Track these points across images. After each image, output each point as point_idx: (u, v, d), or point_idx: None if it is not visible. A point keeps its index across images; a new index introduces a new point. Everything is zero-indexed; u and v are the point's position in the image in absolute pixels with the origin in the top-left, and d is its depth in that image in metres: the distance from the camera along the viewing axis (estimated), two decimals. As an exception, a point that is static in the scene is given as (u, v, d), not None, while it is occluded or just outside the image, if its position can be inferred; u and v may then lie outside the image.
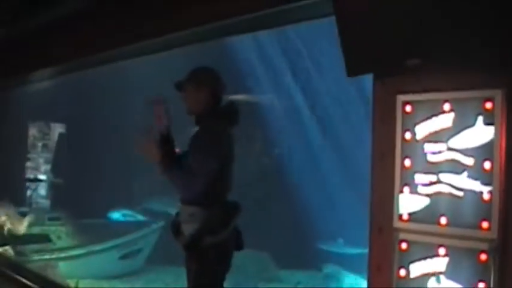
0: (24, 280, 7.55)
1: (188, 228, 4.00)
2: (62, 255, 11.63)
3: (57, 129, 19.30)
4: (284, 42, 14.84)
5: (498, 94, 3.31)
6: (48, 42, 7.76)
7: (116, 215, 14.70)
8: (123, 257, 12.72)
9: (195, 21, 5.32)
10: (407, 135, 3.71)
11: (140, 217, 14.77)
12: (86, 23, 6.86)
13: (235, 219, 4.10)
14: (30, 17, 7.14)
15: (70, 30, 7.20)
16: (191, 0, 5.34)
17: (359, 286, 11.53)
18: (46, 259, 11.13)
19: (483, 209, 3.34)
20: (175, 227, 4.15)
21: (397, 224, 3.74)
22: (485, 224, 3.32)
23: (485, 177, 3.33)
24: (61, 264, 10.78)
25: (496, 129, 3.31)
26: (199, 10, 5.23)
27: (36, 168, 18.61)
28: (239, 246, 4.19)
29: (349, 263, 13.16)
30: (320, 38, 13.42)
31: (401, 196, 3.73)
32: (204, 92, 4.13)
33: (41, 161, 19.18)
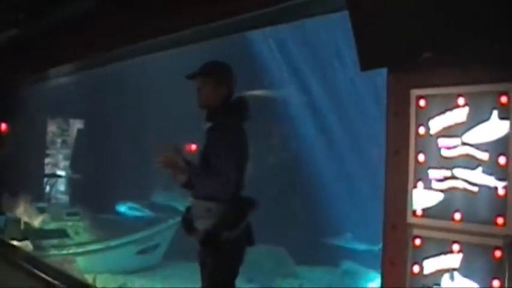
0: (42, 275, 7.61)
1: (203, 224, 4.00)
2: (80, 250, 11.74)
3: (76, 125, 19.47)
4: (300, 37, 14.81)
5: (513, 88, 3.27)
6: (62, 41, 7.84)
7: (122, 208, 14.76)
8: (141, 252, 12.82)
9: (212, 17, 5.34)
10: (421, 130, 3.68)
11: (147, 211, 14.85)
12: (100, 21, 6.91)
13: (248, 215, 4.09)
14: (43, 16, 7.20)
15: (82, 28, 7.27)
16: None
17: (376, 283, 11.48)
18: (64, 254, 11.24)
19: (498, 204, 3.30)
20: (187, 223, 4.16)
21: (410, 219, 3.72)
22: (500, 220, 3.29)
23: (500, 173, 3.30)
24: (79, 259, 10.87)
25: (511, 124, 3.27)
26: (216, 6, 5.25)
27: (55, 164, 18.81)
28: (251, 242, 4.18)
29: (361, 258, 13.16)
30: (338, 32, 13.37)
31: (415, 191, 3.70)
32: (222, 87, 4.14)
33: (60, 157, 19.37)
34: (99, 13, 6.62)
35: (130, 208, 14.86)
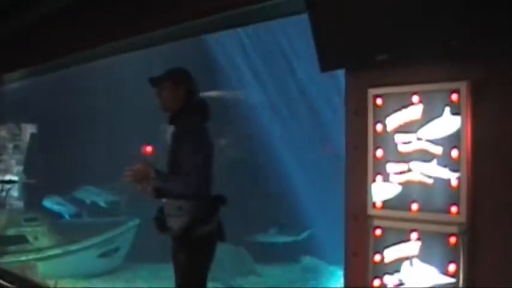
0: (2, 281, 7.56)
1: (176, 222, 4.12)
2: (40, 255, 11.60)
3: (28, 129, 19.14)
4: (259, 39, 14.94)
5: (463, 86, 3.49)
6: (22, 44, 7.79)
7: (48, 203, 14.59)
8: (102, 255, 12.73)
9: (171, 20, 5.43)
10: (379, 127, 3.87)
11: (70, 207, 14.72)
12: (59, 24, 6.90)
13: (218, 211, 4.23)
14: (8, 17, 7.14)
15: (44, 31, 7.24)
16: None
17: (337, 276, 11.67)
18: (24, 260, 11.10)
19: (452, 194, 3.52)
20: (160, 222, 4.27)
21: (371, 211, 3.91)
22: (454, 209, 3.51)
23: (453, 165, 3.52)
24: (40, 264, 10.76)
25: (462, 119, 3.49)
26: (177, 10, 5.35)
27: (7, 170, 18.46)
28: (222, 238, 4.31)
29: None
30: (295, 34, 13.55)
31: (374, 185, 3.90)
32: (181, 90, 4.28)
33: (13, 162, 19.01)
34: (63, 15, 6.61)
35: (57, 203, 14.71)
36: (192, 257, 4.14)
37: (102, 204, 14.38)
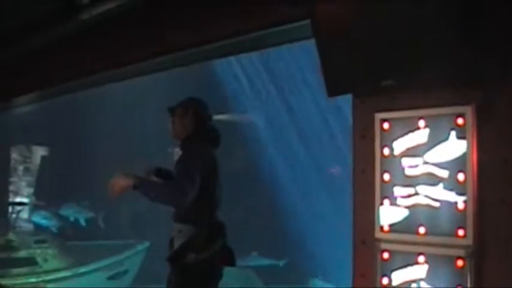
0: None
1: (176, 244, 4.17)
2: (49, 277, 11.63)
3: (39, 152, 19.28)
4: (267, 63, 15.07)
5: (468, 110, 3.55)
6: (30, 68, 7.89)
7: (36, 218, 14.78)
8: (111, 277, 12.76)
9: (180, 46, 5.51)
10: (386, 151, 3.92)
11: (55, 221, 14.94)
12: (68, 49, 7.00)
13: (221, 238, 4.24)
14: (13, 44, 7.25)
15: (53, 55, 7.33)
16: (177, 26, 5.51)
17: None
18: (33, 282, 11.13)
19: (458, 217, 3.56)
20: (170, 242, 4.30)
21: (378, 234, 3.94)
22: (461, 232, 3.55)
23: (459, 188, 3.56)
24: (49, 286, 10.79)
25: (467, 143, 3.55)
26: (184, 36, 5.43)
27: (17, 192, 18.57)
28: (231, 263, 4.33)
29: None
30: (303, 59, 13.68)
31: (381, 208, 3.94)
32: (189, 118, 4.36)
33: (23, 184, 19.14)
34: (71, 41, 6.71)
35: (44, 217, 14.91)
36: (182, 280, 4.12)
37: (82, 222, 14.66)
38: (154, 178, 4.43)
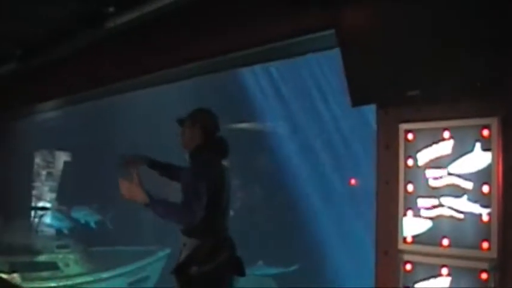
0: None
1: (182, 256, 4.26)
2: (70, 282, 11.72)
3: (62, 157, 19.48)
4: (293, 72, 15.07)
5: (494, 121, 3.52)
6: (55, 75, 8.01)
7: (48, 219, 14.95)
8: (132, 284, 12.83)
9: (205, 54, 5.56)
10: (410, 162, 3.90)
11: (66, 222, 15.05)
12: (93, 56, 7.10)
13: (226, 251, 4.30)
14: (41, 51, 7.36)
15: (78, 63, 7.44)
16: (202, 34, 5.56)
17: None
18: (54, 287, 11.23)
19: (483, 230, 3.52)
20: (179, 254, 4.38)
21: (401, 246, 3.92)
22: (485, 245, 3.51)
23: (484, 200, 3.53)
24: (69, 291, 10.89)
25: (493, 155, 3.51)
26: (209, 44, 5.48)
27: (40, 197, 18.76)
28: (240, 273, 4.40)
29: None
30: (328, 68, 13.70)
31: (405, 219, 3.91)
32: (197, 129, 4.46)
33: (45, 189, 19.34)
34: (96, 48, 6.80)
35: (55, 219, 15.08)
36: None
37: (92, 224, 14.78)
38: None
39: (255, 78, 15.05)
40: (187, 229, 4.23)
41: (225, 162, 4.50)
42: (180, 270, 4.20)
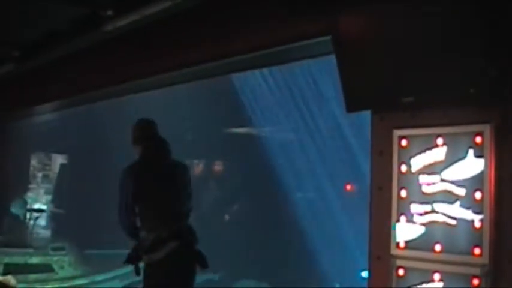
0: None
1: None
2: (65, 285, 11.67)
3: (58, 160, 19.44)
4: (288, 78, 15.06)
5: (487, 129, 3.56)
6: (50, 78, 8.04)
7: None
8: (126, 287, 12.76)
9: (202, 59, 5.59)
10: (403, 168, 3.94)
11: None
12: (91, 59, 7.13)
13: (173, 241, 4.81)
14: (38, 53, 7.38)
15: (76, 66, 7.47)
16: (200, 39, 5.59)
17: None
18: (49, 289, 11.20)
19: (475, 236, 3.55)
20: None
21: (394, 251, 3.95)
22: (477, 251, 3.53)
23: (476, 207, 3.55)
24: (64, 293, 10.85)
25: (485, 162, 3.54)
26: (206, 49, 5.52)
27: (36, 199, 18.70)
28: (203, 265, 4.96)
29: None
30: (323, 74, 13.70)
31: (398, 225, 3.94)
32: (136, 145, 5.21)
33: (41, 191, 19.28)
34: (94, 51, 6.83)
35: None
36: (147, 278, 4.95)
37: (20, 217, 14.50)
38: None
39: (251, 83, 15.04)
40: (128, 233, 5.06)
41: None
42: (130, 259, 4.96)
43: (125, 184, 4.97)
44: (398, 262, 3.91)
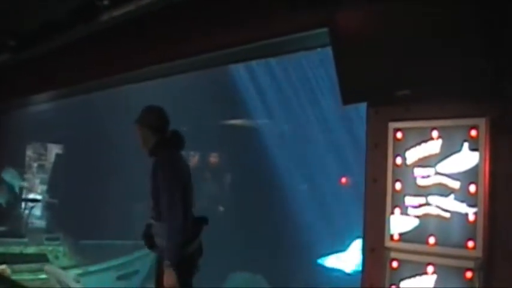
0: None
1: (161, 241, 4.56)
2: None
3: (54, 150, 19.41)
4: (285, 70, 15.01)
5: (482, 122, 3.56)
6: (47, 67, 8.02)
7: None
8: (120, 277, 12.76)
9: (198, 50, 5.58)
10: (398, 160, 3.95)
11: None
12: (87, 49, 7.10)
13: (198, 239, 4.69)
14: (34, 43, 7.36)
15: (72, 56, 7.44)
16: (196, 30, 5.58)
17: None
18: (43, 278, 11.19)
19: (469, 229, 3.56)
20: (149, 240, 4.75)
21: (388, 243, 3.96)
22: (470, 244, 3.55)
23: (470, 200, 3.57)
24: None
25: (480, 155, 3.56)
26: (202, 40, 5.51)
27: (31, 189, 18.68)
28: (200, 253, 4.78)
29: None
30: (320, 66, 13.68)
31: (392, 217, 3.95)
32: (146, 130, 4.74)
33: (36, 181, 19.26)
34: (91, 41, 6.81)
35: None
36: (177, 274, 4.49)
37: (15, 188, 14.56)
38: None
39: (248, 74, 14.99)
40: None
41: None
42: (178, 254, 4.48)
43: (175, 177, 4.58)
44: (392, 254, 3.93)
